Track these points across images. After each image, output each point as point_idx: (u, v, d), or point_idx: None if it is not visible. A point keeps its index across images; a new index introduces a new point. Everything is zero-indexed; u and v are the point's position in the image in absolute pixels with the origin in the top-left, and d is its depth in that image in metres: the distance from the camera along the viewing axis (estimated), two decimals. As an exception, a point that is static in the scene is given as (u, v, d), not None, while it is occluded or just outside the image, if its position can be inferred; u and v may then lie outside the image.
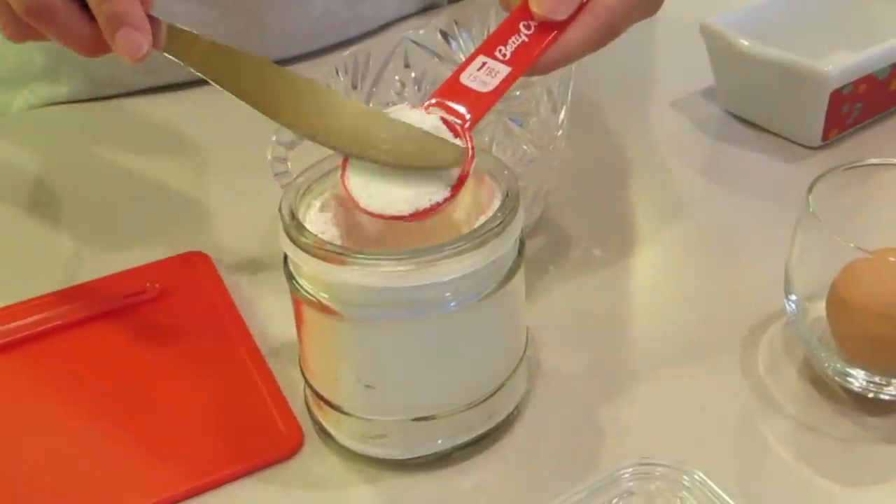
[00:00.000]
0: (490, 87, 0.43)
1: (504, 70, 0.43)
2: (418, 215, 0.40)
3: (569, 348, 0.50)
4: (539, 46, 0.43)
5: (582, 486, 0.36)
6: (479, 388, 0.43)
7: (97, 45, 0.44)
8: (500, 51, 0.43)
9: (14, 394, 0.49)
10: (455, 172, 0.40)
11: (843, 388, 0.46)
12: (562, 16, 0.43)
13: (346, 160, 0.41)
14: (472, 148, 0.41)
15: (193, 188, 0.64)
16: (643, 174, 0.64)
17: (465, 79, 0.43)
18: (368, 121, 0.42)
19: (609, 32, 0.44)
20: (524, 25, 0.44)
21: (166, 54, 0.44)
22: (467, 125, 0.42)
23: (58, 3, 0.44)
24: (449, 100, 0.42)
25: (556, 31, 0.43)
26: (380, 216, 0.40)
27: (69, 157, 0.69)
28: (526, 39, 0.43)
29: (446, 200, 0.40)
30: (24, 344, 0.51)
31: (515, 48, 0.43)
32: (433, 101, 0.43)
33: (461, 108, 0.42)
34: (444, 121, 0.42)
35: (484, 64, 0.43)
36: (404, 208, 0.40)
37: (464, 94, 0.42)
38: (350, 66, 0.57)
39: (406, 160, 0.40)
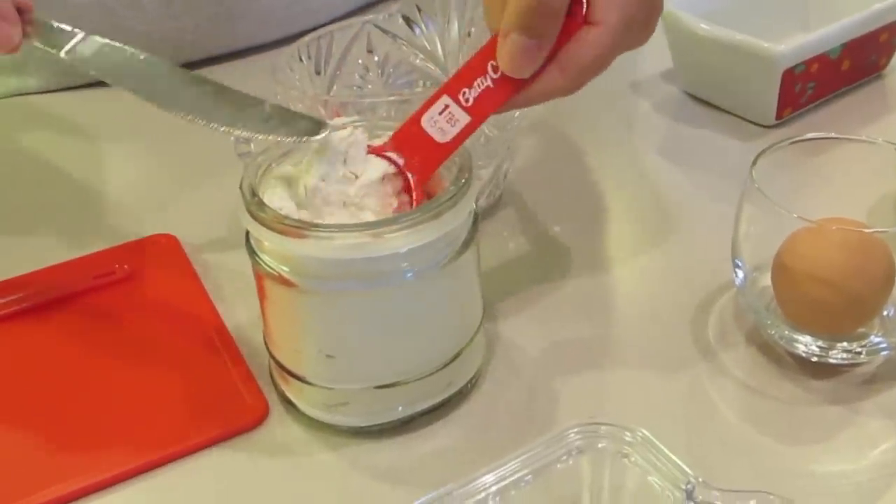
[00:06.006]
0: (448, 138, 0.43)
1: (464, 119, 0.43)
2: None
3: (527, 320, 0.51)
4: (502, 96, 0.43)
5: (531, 446, 0.37)
6: (437, 357, 0.44)
7: None
8: (463, 94, 0.43)
9: (-15, 372, 0.50)
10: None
11: (789, 354, 0.48)
12: (525, 75, 0.42)
13: None
14: (418, 201, 0.43)
15: (161, 171, 0.66)
16: (603, 153, 0.66)
17: (425, 123, 0.43)
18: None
19: (574, 89, 0.43)
20: (492, 67, 0.42)
21: (42, 46, 0.46)
22: (419, 178, 0.43)
23: None
24: (407, 146, 0.43)
25: (521, 81, 0.42)
26: None
27: (38, 145, 0.70)
28: (490, 85, 0.42)
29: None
30: (-5, 324, 0.52)
31: (479, 94, 0.43)
32: (391, 144, 0.43)
33: (416, 160, 0.43)
34: (400, 172, 0.43)
35: (446, 107, 0.43)
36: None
37: (422, 141, 0.43)
38: (313, 51, 0.58)
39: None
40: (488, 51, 0.43)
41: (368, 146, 0.44)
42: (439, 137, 0.43)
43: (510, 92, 0.43)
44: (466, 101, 0.43)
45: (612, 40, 0.42)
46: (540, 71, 0.42)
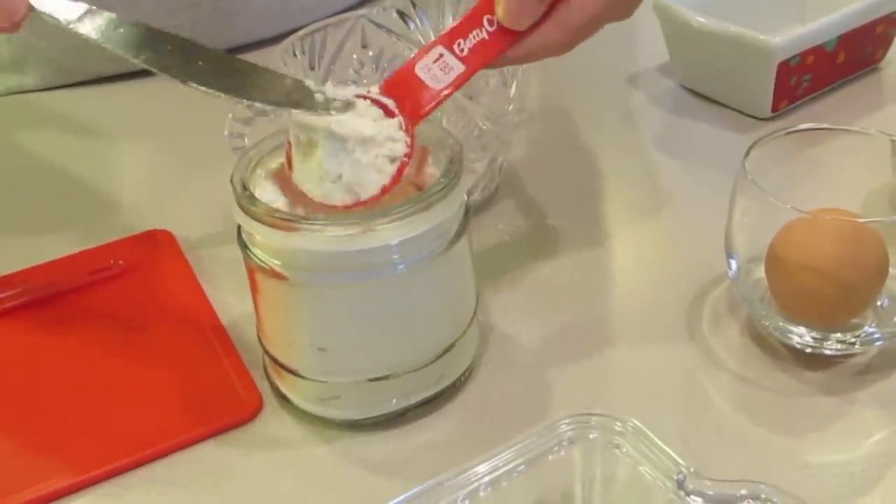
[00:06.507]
0: (442, 84, 0.43)
1: (458, 68, 0.43)
2: (359, 204, 0.42)
3: (521, 313, 0.51)
4: (497, 48, 0.43)
5: (522, 437, 0.37)
6: (429, 349, 0.44)
7: None
8: (458, 45, 0.43)
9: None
10: (395, 165, 0.42)
11: (783, 345, 0.48)
12: (523, 27, 0.43)
13: (288, 151, 0.43)
14: (412, 146, 0.42)
15: (156, 167, 0.66)
16: (599, 147, 0.66)
17: (419, 70, 0.43)
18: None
19: (567, 47, 0.44)
20: (488, 20, 0.43)
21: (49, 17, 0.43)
22: (411, 121, 0.43)
23: None
24: (399, 91, 0.43)
25: (516, 35, 0.43)
26: (324, 204, 0.42)
27: (34, 142, 0.70)
28: (486, 37, 0.43)
29: (385, 190, 0.42)
30: (-8, 319, 0.52)
31: (473, 45, 0.43)
32: (382, 89, 0.43)
33: (408, 104, 0.43)
34: (390, 113, 0.43)
35: (441, 56, 0.43)
36: (347, 198, 0.42)
37: (415, 87, 0.43)
38: (307, 46, 0.58)
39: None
40: (486, 4, 0.43)
41: (357, 95, 0.43)
42: (433, 84, 0.43)
43: (505, 44, 0.43)
44: (461, 50, 0.43)
45: (607, 1, 0.43)
46: (536, 26, 0.43)
